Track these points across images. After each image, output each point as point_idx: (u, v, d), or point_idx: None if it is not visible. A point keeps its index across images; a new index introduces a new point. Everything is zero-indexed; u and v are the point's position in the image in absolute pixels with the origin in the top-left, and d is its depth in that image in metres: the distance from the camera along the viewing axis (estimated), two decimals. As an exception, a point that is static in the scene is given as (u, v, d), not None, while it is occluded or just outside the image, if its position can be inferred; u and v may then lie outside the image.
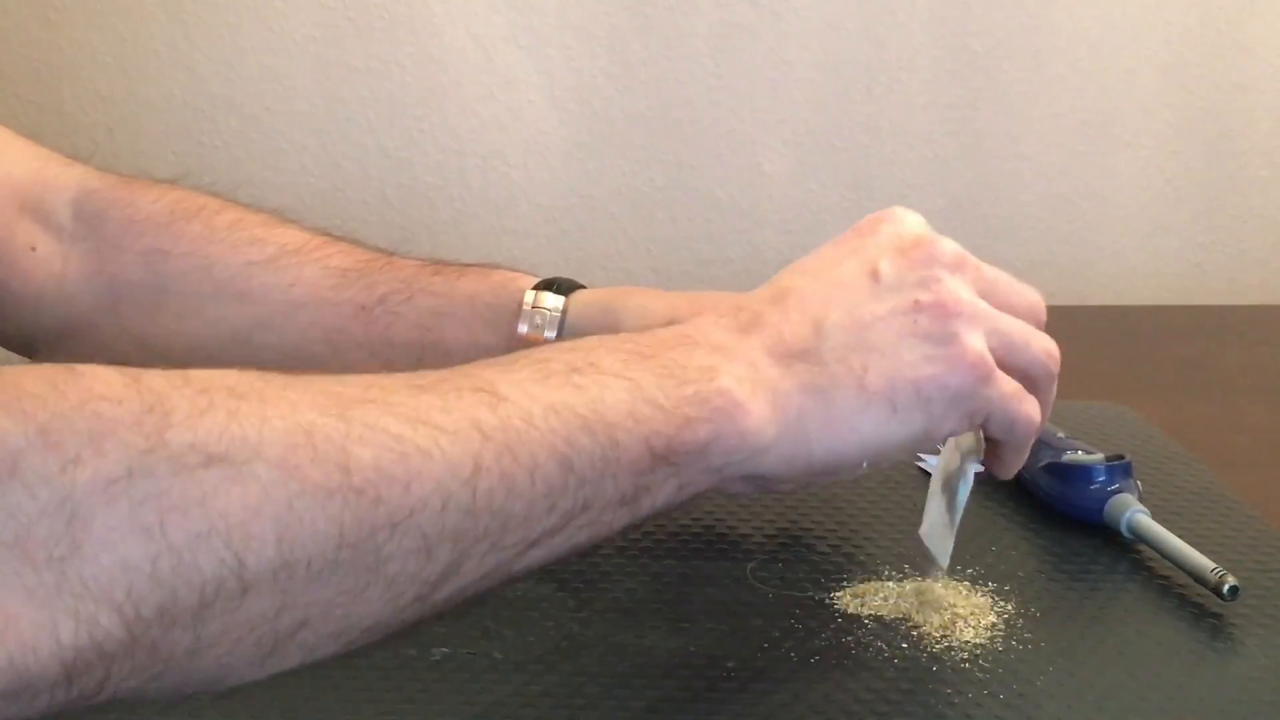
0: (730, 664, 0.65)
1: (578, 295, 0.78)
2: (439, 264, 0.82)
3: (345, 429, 0.47)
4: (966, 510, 0.81)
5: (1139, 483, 0.78)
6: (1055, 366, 0.64)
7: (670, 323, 0.62)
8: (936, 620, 0.69)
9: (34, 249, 0.82)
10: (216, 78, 1.42)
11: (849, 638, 0.67)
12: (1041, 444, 0.82)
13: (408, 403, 0.49)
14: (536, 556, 0.52)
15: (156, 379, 0.46)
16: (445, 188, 1.45)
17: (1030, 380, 0.63)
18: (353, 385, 0.49)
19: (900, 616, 0.69)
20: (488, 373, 0.52)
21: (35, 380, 0.44)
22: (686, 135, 1.45)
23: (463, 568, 0.49)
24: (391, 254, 0.83)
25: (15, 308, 0.82)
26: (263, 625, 0.45)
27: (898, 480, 0.85)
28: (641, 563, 0.74)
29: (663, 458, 0.53)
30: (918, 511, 0.81)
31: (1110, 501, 0.77)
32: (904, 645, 0.67)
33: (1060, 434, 0.82)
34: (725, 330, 0.58)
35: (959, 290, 0.60)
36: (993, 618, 0.69)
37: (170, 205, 0.83)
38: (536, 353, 0.55)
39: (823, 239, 1.62)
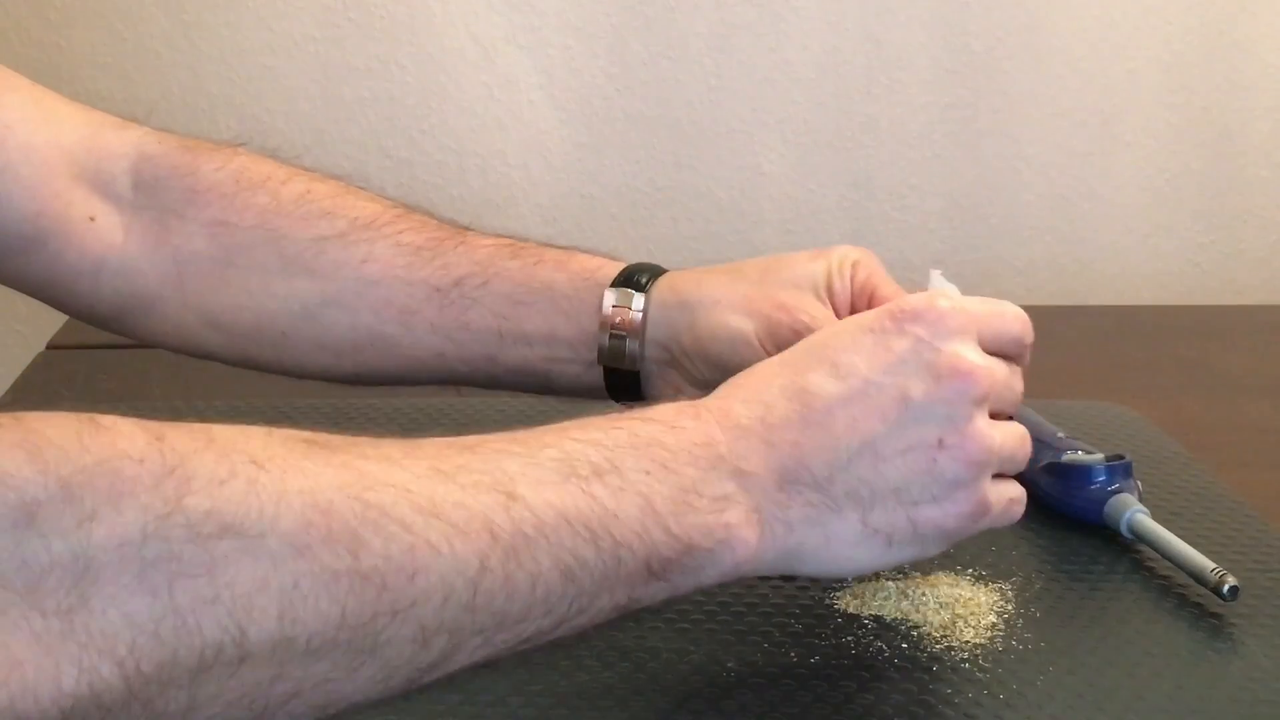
0: (730, 664, 0.65)
1: (658, 292, 0.75)
2: (515, 244, 0.79)
3: (361, 512, 0.47)
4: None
5: (1139, 483, 0.78)
6: (1026, 461, 0.63)
7: (743, 328, 0.69)
8: (936, 620, 0.69)
9: (92, 219, 0.79)
10: (216, 78, 1.42)
11: (849, 638, 0.67)
12: (1041, 444, 0.82)
13: (425, 491, 0.49)
14: (525, 648, 0.53)
15: (181, 438, 0.46)
16: (445, 188, 1.45)
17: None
18: (374, 461, 0.49)
19: (900, 616, 0.69)
20: (511, 465, 0.52)
21: (59, 430, 0.44)
22: (686, 135, 1.45)
23: (454, 657, 0.50)
24: (466, 229, 0.81)
25: (74, 280, 0.80)
26: (255, 693, 0.46)
27: (898, 480, 0.85)
28: (641, 563, 0.74)
29: (659, 575, 0.54)
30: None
31: (1110, 501, 0.77)
32: (904, 645, 0.67)
33: (1060, 434, 0.82)
34: (751, 444, 0.57)
35: (982, 437, 0.58)
36: (993, 618, 0.69)
37: (235, 174, 0.80)
38: (566, 441, 0.54)
39: (823, 239, 1.62)
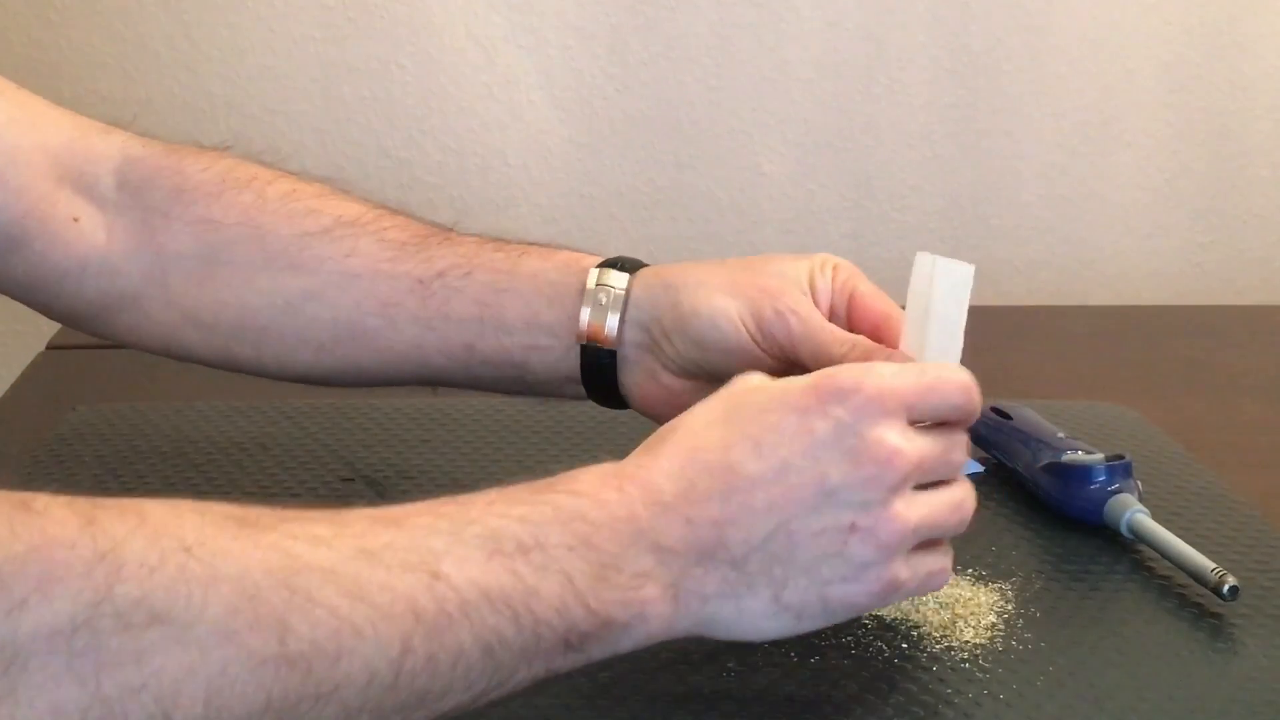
0: (730, 663, 0.65)
1: (642, 274, 0.76)
2: (501, 241, 0.80)
3: (288, 598, 0.48)
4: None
5: (1139, 483, 0.78)
6: (965, 526, 0.63)
7: (727, 306, 0.71)
8: (936, 620, 0.69)
9: (76, 220, 0.80)
10: (216, 78, 1.42)
11: (849, 638, 0.67)
12: (1041, 444, 0.82)
13: (351, 573, 0.50)
14: (447, 717, 0.53)
15: (112, 521, 0.47)
16: (445, 188, 1.45)
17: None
18: (302, 541, 0.50)
19: (900, 616, 0.69)
20: (437, 543, 0.53)
21: None
22: (686, 135, 1.45)
23: None
24: (450, 229, 0.82)
25: (57, 281, 0.80)
26: None
27: (898, 480, 0.85)
28: (641, 563, 0.74)
29: (576, 648, 0.55)
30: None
31: (1110, 501, 0.77)
32: (904, 645, 0.67)
33: (1060, 434, 0.82)
34: (672, 522, 0.57)
35: (895, 520, 0.59)
36: (993, 618, 0.69)
37: (220, 174, 0.81)
38: (492, 517, 0.55)
39: (823, 239, 1.62)
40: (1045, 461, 0.80)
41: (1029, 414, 0.86)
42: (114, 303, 0.81)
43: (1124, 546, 0.77)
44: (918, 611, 0.69)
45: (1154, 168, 1.51)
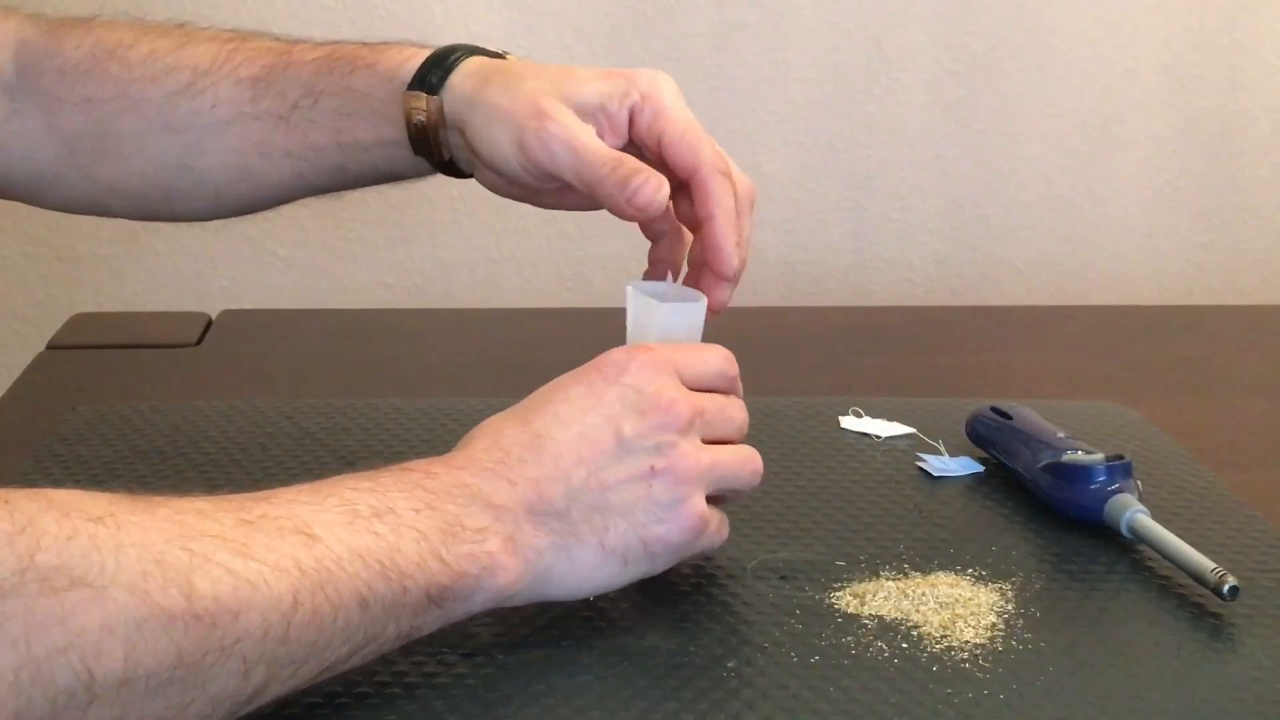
0: (730, 664, 0.65)
1: (453, 84, 0.78)
2: (334, 52, 0.84)
3: (189, 560, 0.53)
4: (967, 509, 0.81)
5: (1139, 483, 0.78)
6: (758, 479, 0.71)
7: (498, 137, 0.74)
8: (936, 620, 0.69)
9: None
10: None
11: (849, 638, 0.67)
12: (1041, 444, 0.82)
13: (239, 537, 0.55)
14: (322, 679, 0.58)
15: (24, 501, 0.51)
16: (445, 187, 1.45)
17: (735, 492, 0.71)
18: (190, 514, 0.55)
19: (900, 616, 0.69)
20: (302, 511, 0.58)
21: None
22: (686, 135, 1.45)
23: (268, 689, 0.55)
24: (294, 44, 0.87)
25: None
26: None
27: (898, 480, 0.85)
28: (641, 563, 0.74)
29: (436, 603, 0.61)
30: (918, 511, 0.81)
31: (1110, 501, 0.77)
32: (904, 645, 0.67)
33: (1060, 434, 0.82)
34: (497, 483, 0.64)
35: (688, 457, 0.67)
36: (993, 618, 0.69)
37: (90, 49, 0.86)
38: (344, 490, 0.60)
39: (823, 239, 1.62)
40: (1045, 461, 0.80)
41: (1029, 414, 0.86)
42: (38, 182, 0.88)
43: (1124, 546, 0.77)
44: (918, 611, 0.69)
45: (1154, 168, 1.51)
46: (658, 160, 0.75)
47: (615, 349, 0.69)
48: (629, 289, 0.72)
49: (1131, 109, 1.49)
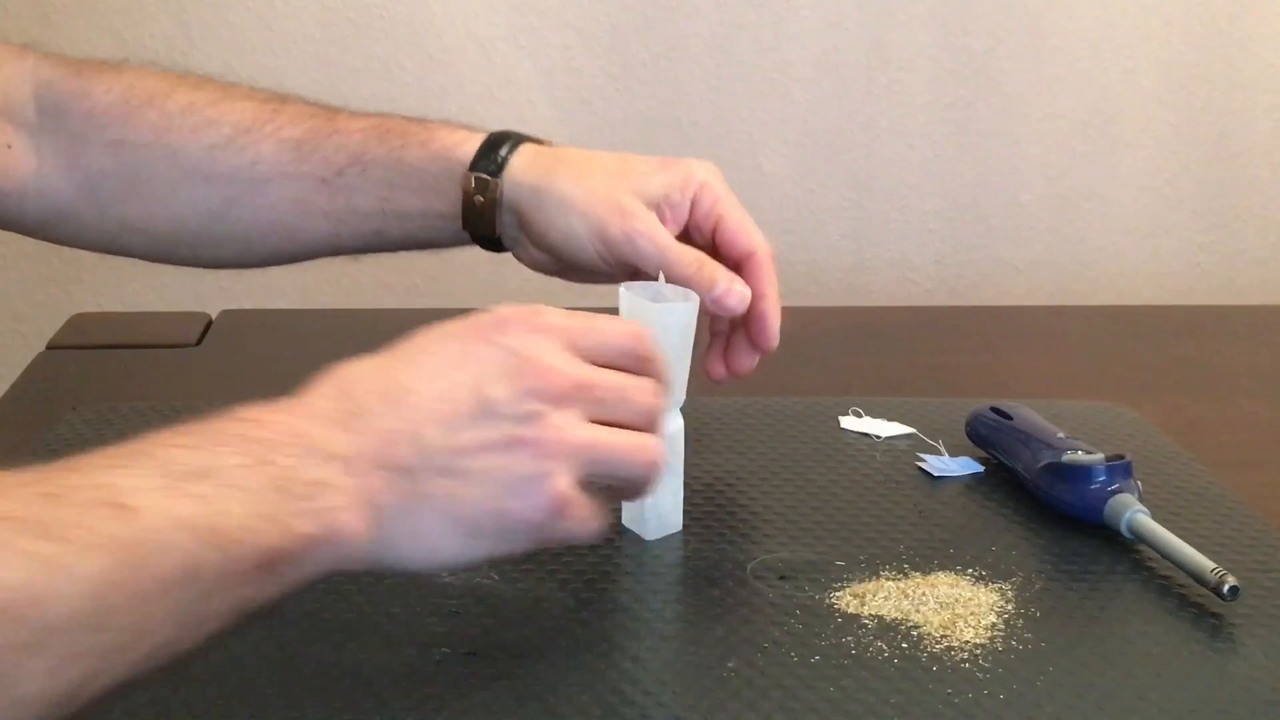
0: (730, 664, 0.65)
1: (512, 169, 0.84)
2: (382, 126, 0.88)
3: None
4: (967, 509, 0.81)
5: (1139, 483, 0.78)
6: (653, 473, 0.64)
7: (578, 229, 0.80)
8: (936, 620, 0.69)
9: (9, 146, 0.86)
10: (216, 77, 1.42)
11: (849, 638, 0.67)
12: (1041, 444, 0.82)
13: (40, 517, 0.49)
14: (154, 665, 0.52)
15: None
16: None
17: (624, 482, 0.64)
18: None
19: (900, 616, 0.69)
20: (114, 478, 0.53)
21: None
22: (686, 135, 1.45)
23: (91, 684, 0.50)
24: (337, 112, 0.89)
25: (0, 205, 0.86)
26: None
27: (897, 480, 0.85)
28: (641, 562, 0.74)
29: (269, 569, 0.55)
30: (918, 511, 0.81)
31: (1110, 501, 0.77)
32: (904, 645, 0.67)
33: (1060, 434, 0.82)
34: (339, 434, 0.58)
35: (557, 430, 0.60)
36: (993, 618, 0.69)
37: (123, 94, 0.88)
38: (161, 449, 0.55)
39: (823, 239, 1.62)
40: (1045, 461, 0.80)
41: (1029, 414, 0.86)
42: (53, 219, 0.89)
43: (1124, 546, 0.77)
44: (918, 611, 0.69)
45: (1154, 168, 1.51)
46: (709, 241, 0.82)
47: (507, 304, 0.64)
48: (622, 289, 0.73)
49: (1131, 109, 1.49)
